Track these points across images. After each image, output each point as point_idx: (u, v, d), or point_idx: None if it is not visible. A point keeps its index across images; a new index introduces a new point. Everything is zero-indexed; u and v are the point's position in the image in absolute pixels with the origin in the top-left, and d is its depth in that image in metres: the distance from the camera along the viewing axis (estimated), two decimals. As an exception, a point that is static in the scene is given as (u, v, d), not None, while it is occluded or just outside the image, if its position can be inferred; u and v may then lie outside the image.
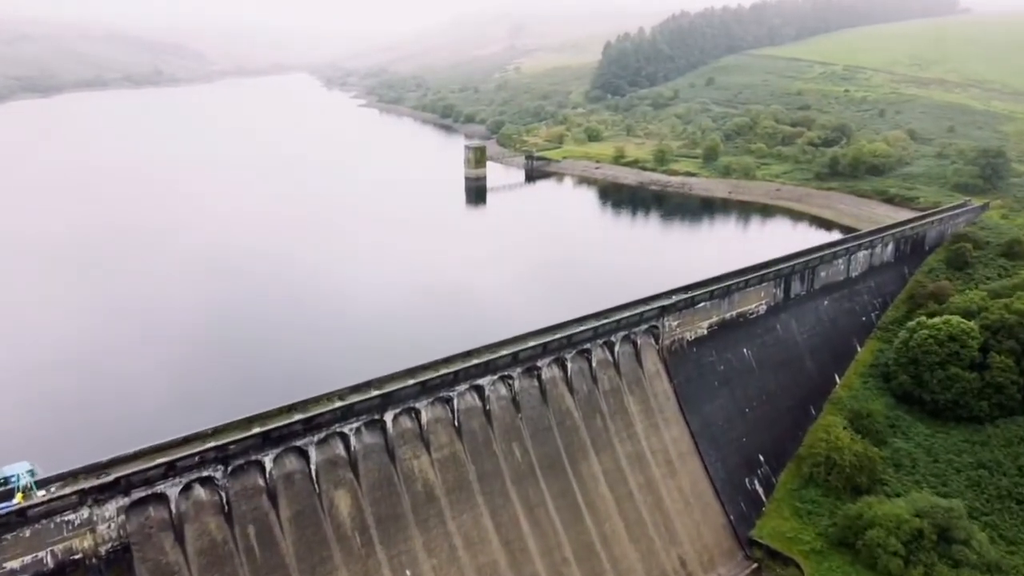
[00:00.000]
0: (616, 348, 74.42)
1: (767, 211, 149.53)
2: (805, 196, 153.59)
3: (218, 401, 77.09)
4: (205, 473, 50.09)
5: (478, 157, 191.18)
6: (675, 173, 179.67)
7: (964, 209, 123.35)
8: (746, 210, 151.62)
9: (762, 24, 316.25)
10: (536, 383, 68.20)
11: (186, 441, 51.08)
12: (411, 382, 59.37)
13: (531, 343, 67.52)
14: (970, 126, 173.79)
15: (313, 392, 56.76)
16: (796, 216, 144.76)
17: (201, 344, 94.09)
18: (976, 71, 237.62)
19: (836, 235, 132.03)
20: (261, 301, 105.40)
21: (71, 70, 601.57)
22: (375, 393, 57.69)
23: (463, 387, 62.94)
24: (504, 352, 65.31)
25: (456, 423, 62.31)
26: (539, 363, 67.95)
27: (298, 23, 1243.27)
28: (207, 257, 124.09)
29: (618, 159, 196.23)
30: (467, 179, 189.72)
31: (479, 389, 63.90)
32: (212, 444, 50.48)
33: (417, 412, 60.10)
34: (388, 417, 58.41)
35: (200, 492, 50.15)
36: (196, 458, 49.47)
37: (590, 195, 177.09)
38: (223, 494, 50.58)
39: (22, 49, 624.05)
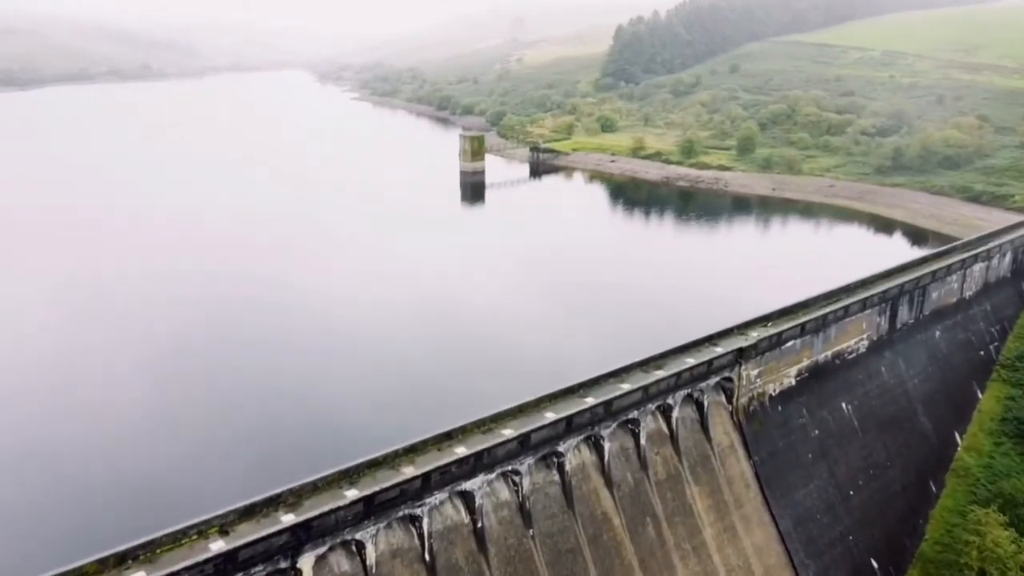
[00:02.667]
0: (674, 414, 50.06)
1: (821, 211, 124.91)
2: (867, 193, 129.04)
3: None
4: None
5: (475, 148, 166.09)
6: (706, 167, 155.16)
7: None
8: (796, 210, 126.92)
9: (787, 9, 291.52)
10: (556, 476, 43.97)
11: None
12: (350, 498, 35.03)
13: (548, 416, 43.25)
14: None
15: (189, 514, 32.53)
16: (859, 218, 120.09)
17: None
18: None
19: (897, 239, 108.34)
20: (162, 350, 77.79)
21: (55, 64, 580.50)
22: (286, 523, 33.41)
23: (439, 496, 38.57)
24: (506, 435, 40.98)
25: (427, 555, 38.27)
26: (560, 446, 43.60)
27: (297, 23, 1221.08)
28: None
29: (637, 151, 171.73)
30: (463, 173, 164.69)
31: (466, 497, 39.58)
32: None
33: (360, 546, 35.69)
34: (306, 562, 33.92)
35: None
36: None
37: (607, 193, 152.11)
38: None
39: (5, 42, 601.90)
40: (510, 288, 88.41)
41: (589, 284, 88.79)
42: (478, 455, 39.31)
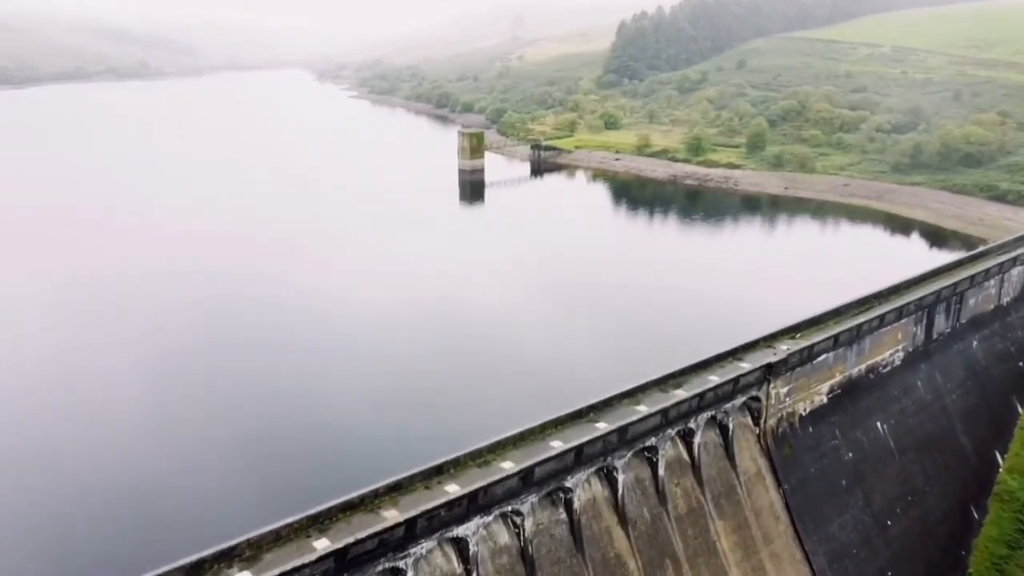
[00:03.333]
0: (696, 439, 44.36)
1: (837, 211, 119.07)
2: (885, 192, 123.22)
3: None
4: None
5: (474, 145, 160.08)
6: (714, 165, 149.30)
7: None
8: (811, 210, 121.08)
9: (792, 4, 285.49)
10: (563, 515, 38.31)
11: None
12: (319, 551, 29.35)
13: (555, 445, 37.56)
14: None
15: None
16: (878, 218, 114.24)
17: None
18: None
19: (921, 240, 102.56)
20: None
21: (52, 62, 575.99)
22: (236, 582, 27.69)
23: (426, 544, 32.91)
24: (506, 469, 35.31)
25: (412, 613, 32.22)
26: (568, 481, 37.89)
27: (297, 23, 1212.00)
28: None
29: (642, 149, 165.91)
30: (461, 171, 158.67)
31: (458, 543, 33.91)
32: None
33: (331, 608, 29.84)
34: (263, 632, 28.11)
35: None
36: None
37: (611, 192, 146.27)
38: None
39: (2, 41, 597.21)
40: (511, 293, 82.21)
41: (595, 290, 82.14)
42: (472, 495, 33.56)
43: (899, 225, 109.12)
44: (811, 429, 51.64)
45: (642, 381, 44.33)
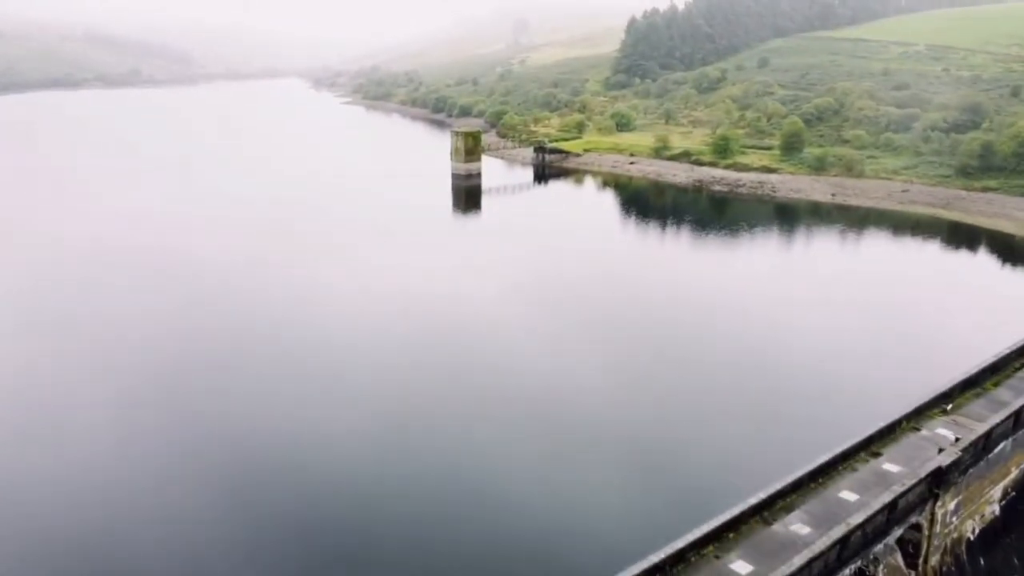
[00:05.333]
0: (828, 612, 25.18)
1: (899, 221, 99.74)
2: (953, 199, 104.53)
3: None
4: None
5: (470, 146, 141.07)
6: (746, 168, 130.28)
7: None
8: (867, 220, 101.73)
9: (815, 3, 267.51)
10: None
11: None
12: None
13: None
14: None
15: None
16: (951, 230, 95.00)
17: None
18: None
19: (1009, 257, 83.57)
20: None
21: (40, 69, 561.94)
22: None
23: None
24: None
25: None
26: None
27: (297, 30, 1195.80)
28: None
29: (660, 151, 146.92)
30: (455, 176, 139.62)
31: None
32: None
33: None
34: None
35: None
36: None
37: (628, 200, 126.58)
38: None
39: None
40: (516, 342, 60.89)
41: (627, 339, 60.09)
42: None
43: (982, 239, 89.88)
44: (983, 561, 32.92)
45: (735, 510, 25.63)
